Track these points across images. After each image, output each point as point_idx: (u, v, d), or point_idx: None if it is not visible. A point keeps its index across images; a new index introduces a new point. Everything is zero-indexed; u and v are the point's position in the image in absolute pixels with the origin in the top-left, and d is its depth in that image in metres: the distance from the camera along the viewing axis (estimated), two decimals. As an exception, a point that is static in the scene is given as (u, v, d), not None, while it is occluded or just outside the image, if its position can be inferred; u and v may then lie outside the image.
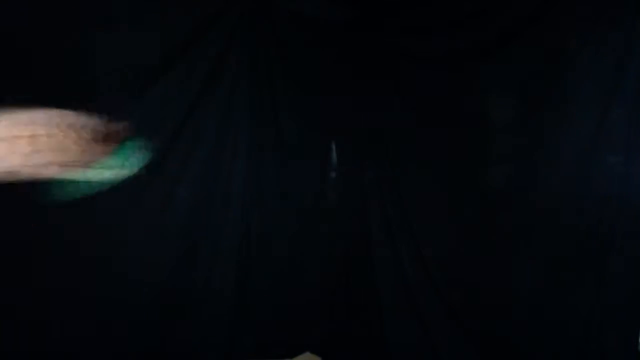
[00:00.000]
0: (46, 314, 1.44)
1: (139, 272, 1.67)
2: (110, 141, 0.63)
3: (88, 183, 0.65)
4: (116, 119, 0.68)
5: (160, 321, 1.76)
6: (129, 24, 1.52)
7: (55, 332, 1.46)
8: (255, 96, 1.80)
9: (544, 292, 1.51)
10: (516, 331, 1.58)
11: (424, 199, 1.90)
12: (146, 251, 1.69)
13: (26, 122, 0.54)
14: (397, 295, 1.95)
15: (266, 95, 1.84)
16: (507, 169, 1.61)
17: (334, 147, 1.50)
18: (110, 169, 0.66)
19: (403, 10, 1.97)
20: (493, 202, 1.65)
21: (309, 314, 1.91)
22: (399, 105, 1.98)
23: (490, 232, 1.66)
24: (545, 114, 1.51)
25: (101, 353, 1.59)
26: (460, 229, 1.76)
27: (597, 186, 1.39)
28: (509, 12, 1.61)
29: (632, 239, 1.35)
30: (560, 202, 1.47)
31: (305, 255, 1.92)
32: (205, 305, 1.73)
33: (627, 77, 1.33)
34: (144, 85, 1.59)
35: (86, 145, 0.58)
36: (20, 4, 1.30)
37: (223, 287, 1.76)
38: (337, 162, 1.55)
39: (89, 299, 1.53)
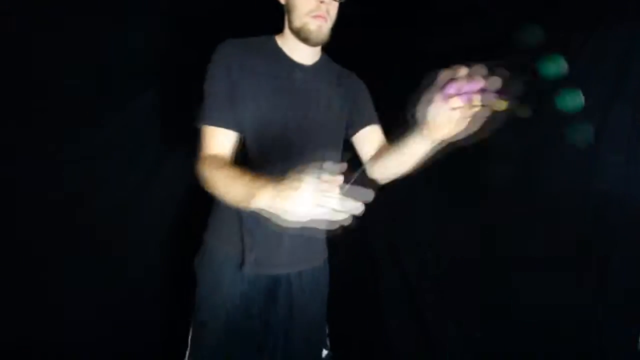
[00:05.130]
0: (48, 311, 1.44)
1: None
2: None
3: None
4: None
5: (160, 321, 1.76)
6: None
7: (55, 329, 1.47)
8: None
9: (544, 292, 1.51)
10: (516, 331, 1.58)
11: (424, 199, 1.90)
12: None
13: None
14: (398, 296, 1.95)
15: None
16: (507, 169, 1.61)
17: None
18: None
19: (402, 10, 1.97)
20: (493, 202, 1.65)
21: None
22: (398, 104, 1.98)
23: (490, 232, 1.66)
24: (547, 114, 1.50)
25: (101, 352, 1.59)
26: (460, 229, 1.76)
27: (598, 186, 1.39)
28: (509, 11, 1.61)
29: (632, 239, 1.35)
30: (561, 202, 1.47)
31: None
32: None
33: (629, 77, 1.33)
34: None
35: None
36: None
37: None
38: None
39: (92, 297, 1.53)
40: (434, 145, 1.04)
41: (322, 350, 1.41)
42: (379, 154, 1.26)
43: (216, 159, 1.11)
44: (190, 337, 1.30)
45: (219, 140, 1.14)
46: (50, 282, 1.45)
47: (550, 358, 1.51)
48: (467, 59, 1.73)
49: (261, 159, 1.17)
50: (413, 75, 1.92)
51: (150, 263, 1.71)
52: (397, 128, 1.08)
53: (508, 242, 1.60)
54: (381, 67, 2.04)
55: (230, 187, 0.99)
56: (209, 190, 1.10)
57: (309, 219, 0.79)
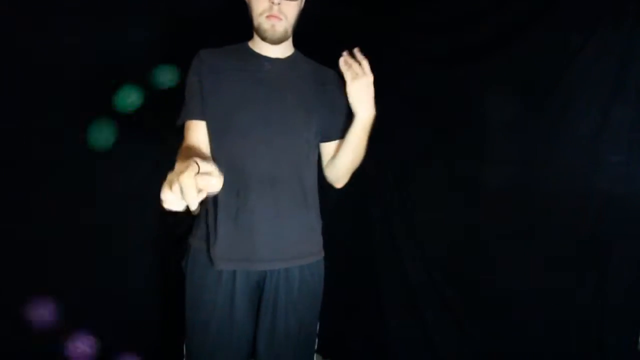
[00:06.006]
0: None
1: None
2: None
3: None
4: None
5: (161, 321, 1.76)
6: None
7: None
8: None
9: (544, 292, 1.51)
10: (516, 331, 1.58)
11: (424, 199, 1.90)
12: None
13: None
14: (398, 296, 1.96)
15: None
16: (507, 169, 1.62)
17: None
18: None
19: (402, 10, 1.97)
20: (493, 202, 1.65)
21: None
22: (399, 104, 1.98)
23: (490, 232, 1.67)
24: (546, 114, 1.51)
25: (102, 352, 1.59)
26: (460, 229, 1.76)
27: (598, 186, 1.39)
28: (509, 11, 1.61)
29: (632, 239, 1.35)
30: (561, 202, 1.47)
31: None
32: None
33: (629, 77, 1.33)
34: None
35: None
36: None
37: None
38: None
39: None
40: (361, 124, 1.24)
41: (313, 354, 1.40)
42: (332, 159, 1.35)
43: (184, 148, 1.18)
44: (185, 340, 1.29)
45: (192, 131, 1.22)
46: (50, 281, 1.45)
47: (551, 358, 1.51)
48: (467, 60, 1.74)
49: (228, 147, 1.21)
50: (413, 75, 1.93)
51: (150, 263, 1.71)
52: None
53: (508, 243, 1.60)
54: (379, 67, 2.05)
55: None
56: None
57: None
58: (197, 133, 1.22)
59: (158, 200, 0.74)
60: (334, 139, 1.35)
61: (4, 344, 1.38)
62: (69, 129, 1.44)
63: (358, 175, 1.40)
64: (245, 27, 1.28)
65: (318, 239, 1.33)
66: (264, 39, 1.23)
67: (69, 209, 1.46)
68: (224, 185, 1.16)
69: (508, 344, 1.61)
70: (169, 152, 1.66)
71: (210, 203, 1.21)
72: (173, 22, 1.65)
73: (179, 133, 1.26)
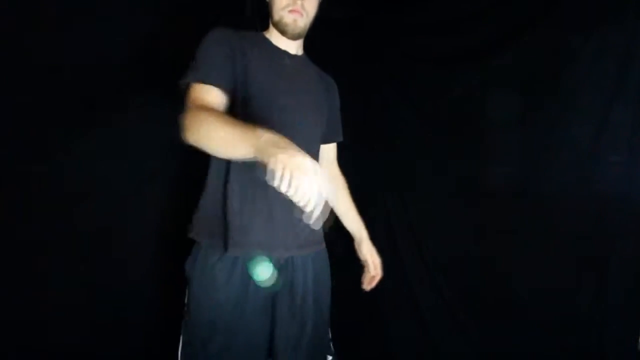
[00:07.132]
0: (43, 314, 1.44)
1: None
2: None
3: None
4: None
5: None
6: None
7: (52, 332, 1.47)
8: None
9: (544, 292, 1.51)
10: (516, 331, 1.58)
11: (424, 199, 1.90)
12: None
13: None
14: (399, 296, 1.96)
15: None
16: (508, 169, 1.62)
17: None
18: None
19: (402, 10, 1.97)
20: (493, 202, 1.65)
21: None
22: (399, 104, 1.98)
23: (491, 232, 1.67)
24: (547, 114, 1.51)
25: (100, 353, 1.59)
26: (460, 230, 1.76)
27: (598, 186, 1.39)
28: (510, 11, 1.61)
29: (632, 239, 1.36)
30: (561, 202, 1.47)
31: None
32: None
33: (629, 77, 1.33)
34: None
35: None
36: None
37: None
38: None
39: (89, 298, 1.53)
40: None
41: (329, 348, 1.39)
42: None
43: (205, 107, 1.07)
44: (181, 345, 1.22)
45: (212, 97, 1.10)
46: (50, 282, 1.45)
47: (551, 358, 1.51)
48: (468, 60, 1.75)
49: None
50: (414, 76, 1.93)
51: (149, 264, 1.71)
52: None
53: (508, 242, 1.60)
54: (379, 67, 2.05)
55: (221, 128, 0.95)
56: (190, 137, 1.01)
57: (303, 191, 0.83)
58: (215, 100, 1.08)
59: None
60: (330, 142, 1.45)
61: (5, 345, 1.38)
62: (69, 128, 1.43)
63: (358, 176, 1.40)
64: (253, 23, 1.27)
65: (321, 229, 1.34)
66: (283, 33, 1.24)
67: (69, 209, 1.46)
68: (241, 173, 1.14)
69: (508, 344, 1.61)
70: (171, 151, 1.68)
71: (219, 194, 1.16)
72: (174, 20, 1.65)
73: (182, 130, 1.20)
